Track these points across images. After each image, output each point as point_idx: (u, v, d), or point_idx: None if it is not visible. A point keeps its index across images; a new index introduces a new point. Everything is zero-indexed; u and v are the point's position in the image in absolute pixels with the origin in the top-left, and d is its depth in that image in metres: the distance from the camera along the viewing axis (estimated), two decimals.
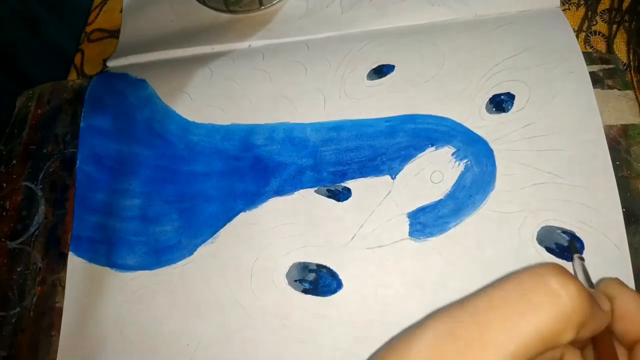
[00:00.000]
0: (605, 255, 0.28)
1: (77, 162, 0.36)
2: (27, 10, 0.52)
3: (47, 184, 0.37)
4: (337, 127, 0.34)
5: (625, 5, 0.37)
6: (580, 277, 0.26)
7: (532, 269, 0.17)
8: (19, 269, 0.34)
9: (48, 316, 0.33)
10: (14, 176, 0.38)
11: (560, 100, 0.31)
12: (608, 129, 0.31)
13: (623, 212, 0.28)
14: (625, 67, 0.35)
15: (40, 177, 0.37)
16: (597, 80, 0.32)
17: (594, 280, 0.26)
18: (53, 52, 0.53)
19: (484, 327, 0.16)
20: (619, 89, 0.32)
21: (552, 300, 0.16)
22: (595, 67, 0.33)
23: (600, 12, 0.38)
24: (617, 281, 0.21)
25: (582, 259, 0.27)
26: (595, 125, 0.30)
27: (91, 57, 0.44)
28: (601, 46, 0.36)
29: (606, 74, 0.33)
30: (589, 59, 0.33)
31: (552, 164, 0.30)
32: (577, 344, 0.20)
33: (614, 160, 0.30)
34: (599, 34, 0.37)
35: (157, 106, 0.37)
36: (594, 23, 0.37)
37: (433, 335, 0.16)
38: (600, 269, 0.27)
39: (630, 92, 0.32)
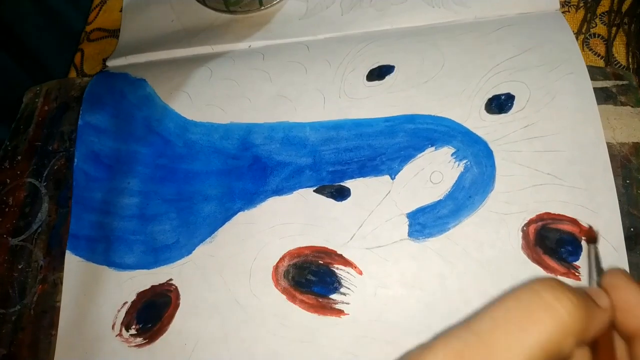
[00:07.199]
0: (604, 258, 0.27)
1: (75, 160, 0.36)
2: None
3: (52, 182, 0.37)
4: (337, 126, 0.34)
5: (624, 7, 0.37)
6: (592, 265, 0.27)
7: (529, 285, 0.18)
8: (20, 266, 0.34)
9: (48, 315, 0.33)
10: (18, 172, 0.37)
11: (560, 101, 0.31)
12: (620, 147, 0.30)
13: (630, 232, 0.28)
14: (624, 70, 0.35)
15: (44, 175, 0.37)
16: (609, 97, 0.32)
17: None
18: (60, 28, 0.52)
19: (491, 347, 0.17)
20: (632, 106, 0.31)
21: (550, 314, 0.17)
22: (609, 83, 0.32)
23: (600, 15, 0.38)
24: (622, 272, 0.21)
25: (595, 248, 0.27)
26: (595, 126, 0.30)
27: (91, 57, 0.44)
28: (600, 49, 0.36)
29: (620, 90, 0.32)
30: (603, 74, 0.33)
31: (552, 165, 0.30)
32: (583, 342, 0.20)
33: (624, 179, 0.29)
34: (598, 37, 0.37)
35: (156, 105, 0.37)
36: (594, 25, 0.38)
37: (443, 356, 0.17)
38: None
39: None
